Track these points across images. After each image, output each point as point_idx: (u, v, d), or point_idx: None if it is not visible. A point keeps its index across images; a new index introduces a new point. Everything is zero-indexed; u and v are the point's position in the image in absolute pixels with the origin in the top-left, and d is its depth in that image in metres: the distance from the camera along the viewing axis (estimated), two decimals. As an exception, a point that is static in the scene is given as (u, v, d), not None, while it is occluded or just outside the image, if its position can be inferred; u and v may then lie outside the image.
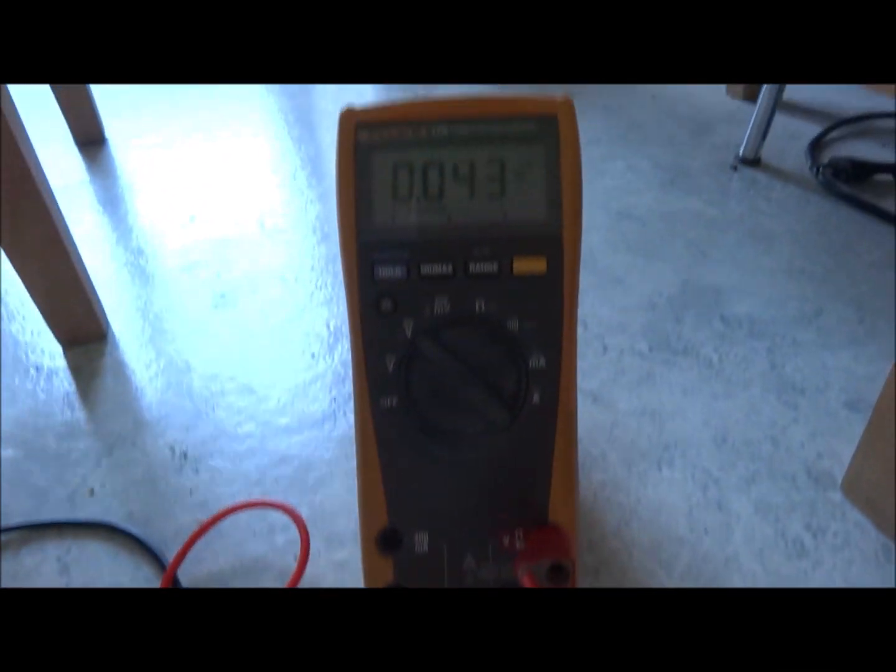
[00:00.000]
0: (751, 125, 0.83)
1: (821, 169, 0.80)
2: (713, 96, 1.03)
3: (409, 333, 0.35)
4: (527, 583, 0.32)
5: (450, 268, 0.34)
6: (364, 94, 1.10)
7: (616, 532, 0.44)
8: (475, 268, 0.34)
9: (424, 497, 0.37)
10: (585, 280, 0.66)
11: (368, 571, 0.37)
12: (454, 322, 0.35)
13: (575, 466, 0.37)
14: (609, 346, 0.58)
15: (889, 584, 0.40)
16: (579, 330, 0.59)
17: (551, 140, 0.33)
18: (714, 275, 0.66)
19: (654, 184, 0.82)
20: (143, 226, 0.79)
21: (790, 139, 0.90)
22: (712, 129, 0.94)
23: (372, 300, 0.35)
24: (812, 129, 0.91)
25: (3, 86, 0.50)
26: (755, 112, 0.83)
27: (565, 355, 0.35)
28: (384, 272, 0.34)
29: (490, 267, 0.34)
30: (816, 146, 0.87)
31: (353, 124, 0.33)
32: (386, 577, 0.37)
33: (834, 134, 0.91)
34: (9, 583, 0.42)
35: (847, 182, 0.78)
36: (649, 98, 1.04)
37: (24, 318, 0.65)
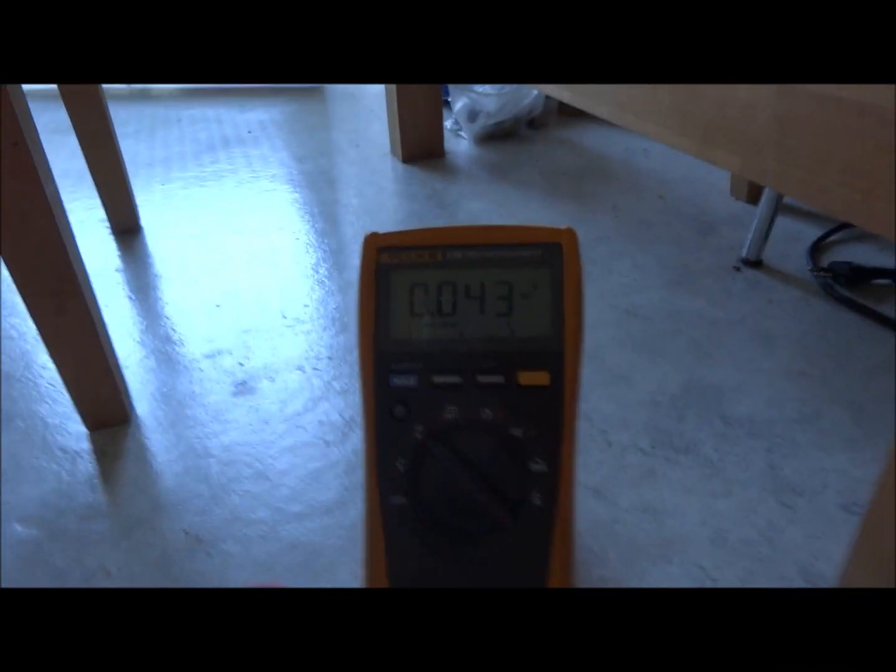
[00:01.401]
0: (753, 227, 0.87)
1: (821, 273, 0.83)
2: (717, 197, 1.08)
3: (419, 437, 0.38)
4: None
5: (459, 378, 0.37)
6: (386, 179, 1.16)
7: (615, 631, 0.45)
8: (483, 379, 0.37)
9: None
10: (592, 377, 0.68)
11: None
12: (462, 428, 0.37)
13: (572, 564, 0.39)
14: (612, 441, 0.60)
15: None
16: (584, 425, 0.62)
17: (555, 265, 0.37)
18: (715, 374, 0.68)
19: (659, 283, 0.85)
20: (171, 313, 0.83)
21: (792, 241, 0.94)
22: (716, 231, 0.98)
23: (386, 406, 0.38)
24: (813, 232, 0.95)
25: (55, 190, 0.55)
26: (757, 214, 0.87)
27: (565, 460, 0.38)
28: (398, 381, 0.37)
29: (497, 379, 0.37)
30: (817, 249, 0.91)
31: (375, 248, 0.37)
32: (388, 670, 0.38)
33: (834, 237, 0.94)
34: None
35: (847, 286, 0.81)
36: (657, 198, 1.09)
37: (53, 400, 0.68)
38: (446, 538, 0.38)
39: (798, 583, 0.47)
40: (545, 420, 0.37)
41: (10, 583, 0.49)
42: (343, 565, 0.50)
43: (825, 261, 0.88)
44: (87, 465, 0.60)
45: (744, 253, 0.89)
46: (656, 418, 0.63)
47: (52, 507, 0.56)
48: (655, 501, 0.54)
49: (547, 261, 0.37)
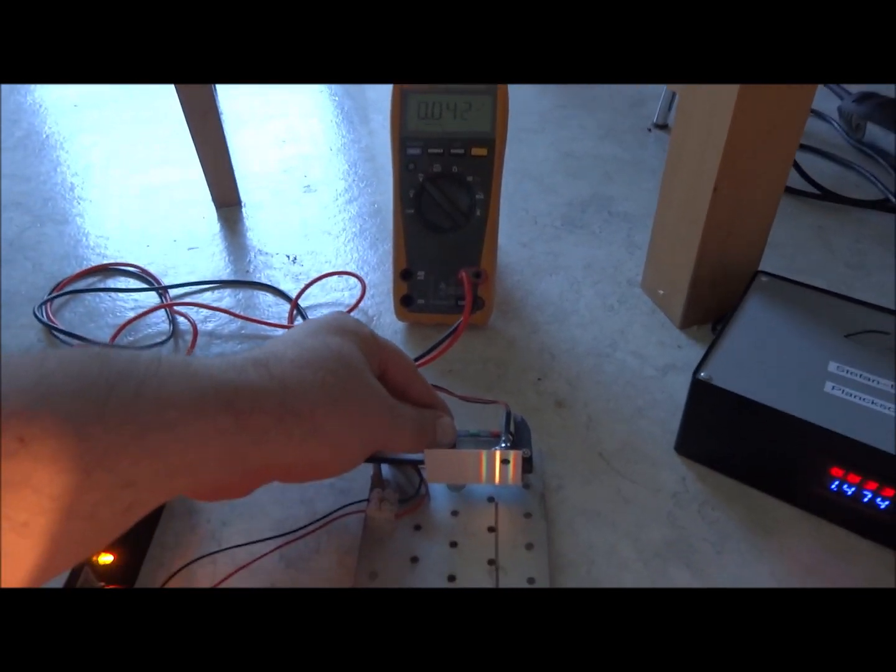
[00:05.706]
0: (661, 99, 1.22)
1: (703, 132, 1.19)
2: (652, 80, 1.41)
3: (421, 180, 0.75)
4: (464, 278, 0.73)
5: (441, 150, 0.74)
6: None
7: (521, 301, 0.84)
8: (454, 151, 0.74)
9: (424, 255, 0.77)
10: (532, 188, 1.06)
11: (395, 290, 0.78)
12: (442, 176, 0.75)
13: (496, 246, 0.78)
14: (538, 222, 0.98)
15: (653, 324, 0.80)
16: (522, 215, 1.00)
17: (494, 94, 0.73)
18: (613, 190, 1.06)
19: (594, 136, 1.21)
20: (251, 146, 1.19)
21: (696, 112, 1.29)
22: (644, 104, 1.33)
23: (405, 164, 0.75)
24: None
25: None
26: (663, 90, 1.22)
27: (493, 194, 0.75)
28: (411, 151, 0.75)
29: (461, 151, 0.74)
30: (710, 118, 1.26)
31: (401, 87, 0.73)
32: (404, 291, 0.77)
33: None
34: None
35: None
36: (607, 78, 1.42)
37: (194, 191, 1.06)
38: (434, 230, 0.76)
39: (624, 284, 0.86)
40: (484, 172, 0.75)
41: (189, 274, 0.88)
42: (384, 262, 0.89)
43: (712, 125, 1.23)
44: (218, 226, 0.99)
45: (655, 119, 1.24)
46: (569, 212, 1.01)
47: (201, 239, 0.95)
48: (557, 249, 0.93)
49: (490, 92, 0.73)
